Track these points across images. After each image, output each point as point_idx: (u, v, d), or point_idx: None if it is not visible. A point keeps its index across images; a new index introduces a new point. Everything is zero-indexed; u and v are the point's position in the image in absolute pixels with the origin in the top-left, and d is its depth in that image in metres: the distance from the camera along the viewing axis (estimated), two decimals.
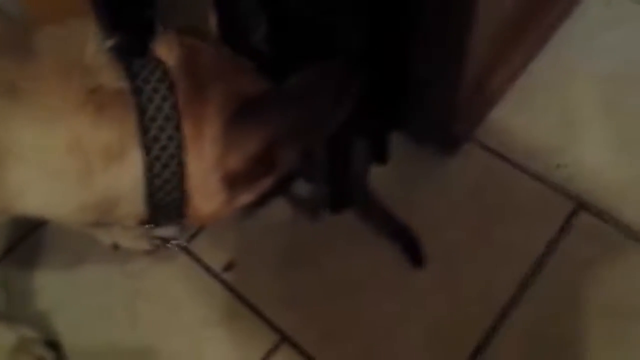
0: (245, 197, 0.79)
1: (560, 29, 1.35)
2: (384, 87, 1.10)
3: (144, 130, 0.69)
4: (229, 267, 1.12)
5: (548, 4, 1.25)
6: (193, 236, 1.16)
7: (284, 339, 1.05)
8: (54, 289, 1.12)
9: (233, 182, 0.75)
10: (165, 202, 0.74)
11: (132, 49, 0.73)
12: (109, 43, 0.71)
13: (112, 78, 0.68)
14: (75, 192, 0.71)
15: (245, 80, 0.77)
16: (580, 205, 1.16)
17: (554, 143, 1.23)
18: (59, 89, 0.67)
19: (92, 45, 0.69)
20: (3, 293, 1.11)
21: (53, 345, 1.05)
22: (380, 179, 1.16)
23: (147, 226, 0.80)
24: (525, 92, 1.29)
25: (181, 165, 0.71)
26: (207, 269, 1.12)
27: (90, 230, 1.10)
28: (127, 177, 0.71)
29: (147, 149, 0.69)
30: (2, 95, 0.66)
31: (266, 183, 0.80)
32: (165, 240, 1.13)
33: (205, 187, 0.75)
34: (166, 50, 0.73)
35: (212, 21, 0.85)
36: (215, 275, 1.11)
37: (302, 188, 1.16)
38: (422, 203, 1.17)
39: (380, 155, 1.18)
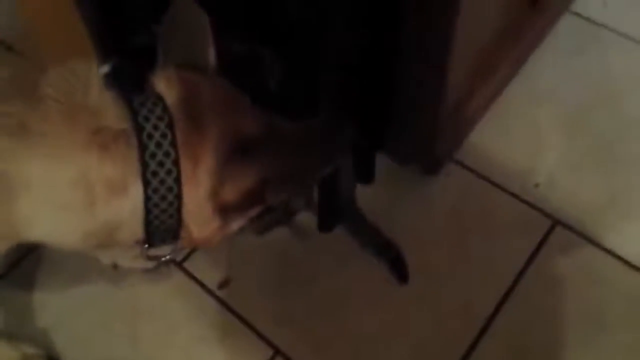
0: (236, 224, 0.86)
1: (532, 55, 1.43)
2: (369, 110, 1.16)
3: (144, 165, 0.74)
4: (223, 284, 1.17)
5: (521, 33, 1.32)
6: (189, 255, 1.21)
7: (278, 353, 1.10)
8: (54, 306, 1.16)
9: (225, 211, 0.81)
10: (161, 228, 0.80)
11: (128, 77, 0.79)
12: (104, 69, 0.76)
13: (115, 118, 0.74)
14: (80, 221, 0.76)
15: (243, 116, 0.82)
16: (556, 222, 1.23)
17: (529, 164, 1.31)
18: (66, 130, 0.72)
19: (96, 87, 0.75)
20: (3, 311, 1.15)
21: None
22: (364, 197, 1.22)
23: (144, 246, 0.85)
24: (501, 115, 1.36)
25: (178, 196, 0.77)
26: (203, 286, 1.17)
27: (91, 252, 1.14)
28: (128, 207, 0.76)
29: (146, 183, 0.75)
30: (14, 135, 0.71)
31: (256, 211, 0.86)
32: (162, 259, 1.17)
33: (199, 215, 0.81)
34: (165, 86, 0.78)
35: (211, 55, 0.90)
36: (210, 293, 1.16)
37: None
38: (405, 221, 1.23)
39: (365, 175, 1.24)
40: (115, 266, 1.17)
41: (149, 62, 0.85)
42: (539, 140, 1.34)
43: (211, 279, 1.17)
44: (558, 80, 1.42)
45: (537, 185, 1.28)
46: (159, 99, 0.77)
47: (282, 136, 0.82)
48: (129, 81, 0.80)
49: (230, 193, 0.80)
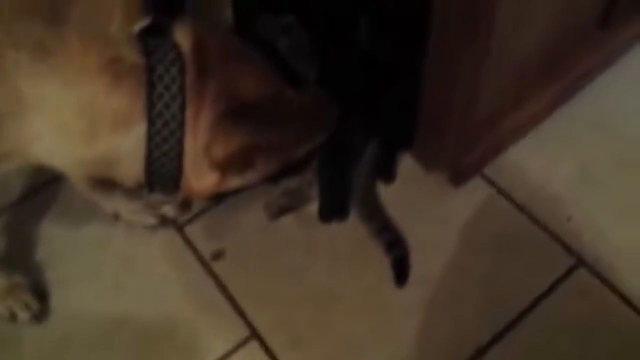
0: (233, 183, 0.85)
1: (596, 80, 1.32)
2: (399, 109, 1.11)
3: (151, 105, 0.75)
4: (217, 256, 1.15)
5: (583, 54, 1.22)
6: (190, 221, 1.20)
7: (254, 336, 1.07)
8: (54, 242, 1.18)
9: (220, 168, 0.81)
10: (162, 171, 0.80)
11: (155, 28, 0.78)
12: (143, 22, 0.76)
13: (131, 52, 0.74)
14: (80, 148, 0.77)
15: (248, 79, 0.81)
16: (581, 262, 1.14)
17: (565, 194, 1.21)
18: (83, 54, 0.72)
19: (120, 17, 0.74)
20: (7, 238, 1.19)
21: (41, 295, 1.11)
22: (384, 196, 1.19)
23: (144, 191, 0.86)
24: (547, 137, 1.27)
25: (179, 142, 0.78)
26: (197, 253, 1.16)
27: (95, 197, 1.15)
28: (129, 144, 0.77)
29: (151, 122, 0.75)
30: (32, 53, 0.71)
31: (254, 177, 0.85)
32: (164, 218, 1.18)
33: (197, 166, 0.81)
34: (182, 35, 0.78)
35: (229, 13, 0.89)
36: (202, 261, 1.15)
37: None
38: (418, 227, 1.17)
39: (387, 174, 1.19)
40: (117, 216, 1.18)
41: (176, 15, 0.85)
42: (582, 170, 1.24)
43: (206, 249, 1.16)
44: (619, 110, 1.31)
45: (569, 219, 1.19)
46: (175, 45, 0.77)
47: (279, 105, 0.81)
48: (156, 32, 0.79)
49: (219, 151, 0.80)
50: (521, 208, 1.20)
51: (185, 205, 1.19)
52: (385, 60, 1.00)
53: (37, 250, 1.18)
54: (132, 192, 1.11)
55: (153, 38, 0.76)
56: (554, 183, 1.22)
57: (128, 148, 0.77)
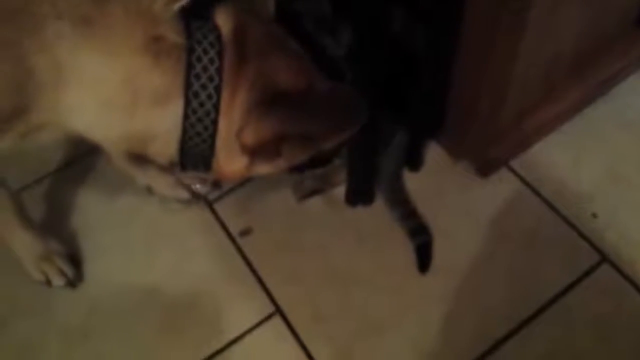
0: (261, 169, 0.86)
1: (628, 79, 1.31)
2: (428, 97, 1.12)
3: (188, 84, 0.77)
4: (245, 232, 1.18)
5: (617, 51, 1.22)
6: (220, 197, 1.23)
7: (277, 311, 1.10)
8: (89, 212, 1.22)
9: (250, 153, 0.83)
10: (194, 151, 0.82)
11: (196, 9, 0.80)
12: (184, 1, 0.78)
13: (172, 32, 0.76)
14: (118, 122, 0.79)
15: (284, 68, 0.82)
16: (605, 259, 1.14)
17: (591, 191, 1.21)
18: (127, 30, 0.74)
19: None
20: (45, 205, 1.23)
21: (75, 262, 1.15)
22: (410, 182, 1.21)
23: (177, 168, 0.87)
24: (576, 133, 1.27)
25: (214, 122, 0.79)
26: (225, 229, 1.19)
27: (129, 170, 1.19)
28: (166, 120, 0.79)
29: (187, 101, 0.77)
30: (76, 25, 0.73)
31: (281, 165, 0.87)
32: (195, 194, 1.21)
33: (228, 149, 0.82)
34: (223, 19, 0.80)
35: (271, 2, 0.90)
36: (230, 237, 1.18)
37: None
38: (443, 216, 1.19)
39: (413, 162, 1.21)
40: (149, 189, 1.21)
41: None
42: (610, 168, 1.24)
43: (235, 225, 1.19)
44: None
45: (594, 215, 1.19)
46: (215, 28, 0.79)
47: (312, 97, 0.82)
48: (197, 13, 0.81)
49: (250, 136, 0.81)
50: (547, 202, 1.20)
51: (216, 183, 1.22)
52: (417, 51, 1.01)
53: (72, 219, 1.22)
54: (165, 168, 1.15)
55: (194, 18, 0.78)
56: (581, 179, 1.23)
57: (164, 125, 0.79)
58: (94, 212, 1.22)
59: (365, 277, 1.13)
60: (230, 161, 0.84)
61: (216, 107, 0.79)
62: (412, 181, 1.22)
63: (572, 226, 1.18)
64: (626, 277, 1.12)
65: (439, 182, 1.23)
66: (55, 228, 1.19)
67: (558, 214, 1.19)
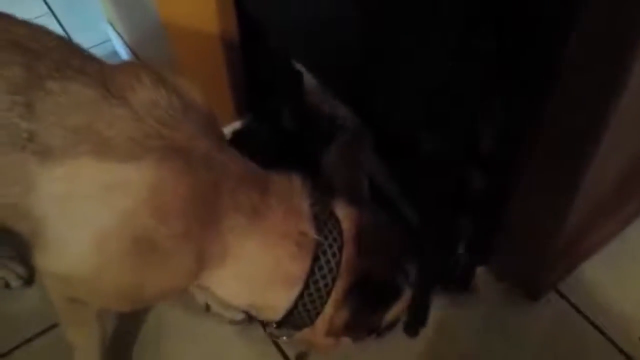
0: (345, 342, 1.07)
1: None
2: (480, 225, 1.16)
3: (311, 272, 0.94)
4: (301, 357, 1.20)
5: None
6: None
7: None
8: None
9: (335, 334, 1.02)
10: (295, 322, 0.99)
11: (320, 204, 0.97)
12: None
13: (311, 227, 0.94)
14: (252, 294, 0.96)
15: (382, 264, 0.99)
16: None
17: (636, 313, 1.23)
18: (284, 222, 0.92)
19: (307, 198, 0.95)
20: None
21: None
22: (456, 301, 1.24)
23: (272, 325, 1.03)
24: (619, 253, 1.30)
25: (322, 303, 0.96)
26: (281, 352, 1.21)
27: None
28: (286, 299, 0.96)
29: (306, 286, 0.94)
30: (247, 215, 0.88)
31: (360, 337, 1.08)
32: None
33: (323, 328, 1.00)
34: (343, 214, 0.98)
35: (365, 185, 1.07)
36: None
37: None
38: (487, 338, 1.21)
39: (463, 285, 1.24)
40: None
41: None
42: None
43: (292, 348, 1.20)
44: None
45: None
46: (338, 223, 0.96)
47: (391, 291, 1.02)
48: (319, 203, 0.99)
49: (338, 319, 0.99)
50: (593, 324, 1.23)
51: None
52: (478, 190, 1.06)
53: None
54: None
55: (321, 215, 0.95)
56: (626, 301, 1.25)
57: (283, 302, 0.96)
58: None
59: None
60: (322, 337, 1.02)
61: (329, 292, 0.96)
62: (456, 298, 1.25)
63: (618, 349, 1.20)
64: None
65: (484, 302, 1.25)
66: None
67: (604, 336, 1.21)
